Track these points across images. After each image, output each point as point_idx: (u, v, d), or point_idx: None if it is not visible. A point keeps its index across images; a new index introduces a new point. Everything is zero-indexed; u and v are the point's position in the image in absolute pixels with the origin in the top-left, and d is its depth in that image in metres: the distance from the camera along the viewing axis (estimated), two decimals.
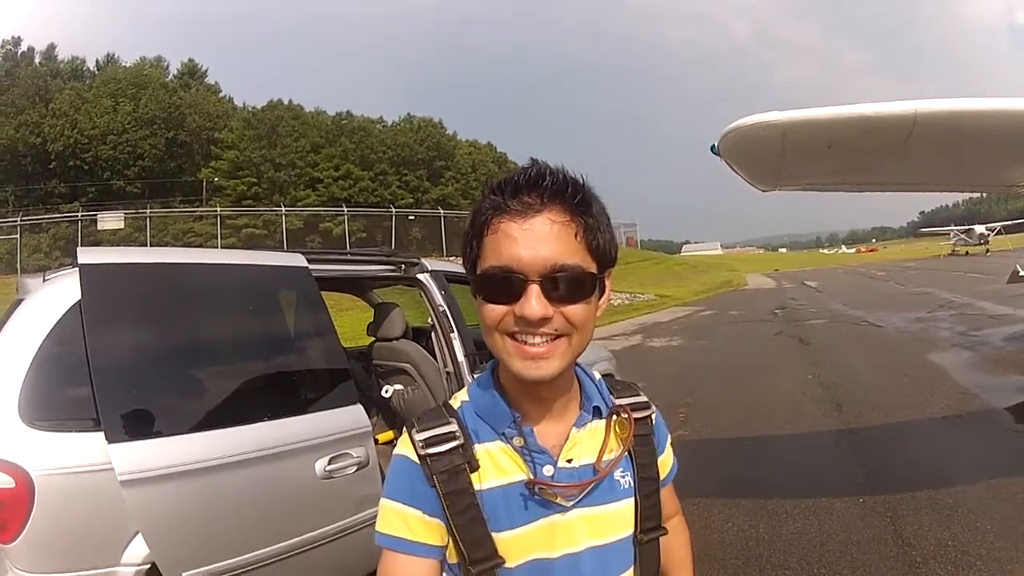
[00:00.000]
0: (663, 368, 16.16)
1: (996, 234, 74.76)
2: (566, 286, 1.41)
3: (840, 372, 13.81)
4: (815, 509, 6.70)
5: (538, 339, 1.43)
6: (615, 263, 1.57)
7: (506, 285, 1.42)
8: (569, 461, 1.57)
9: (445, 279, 5.99)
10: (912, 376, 12.87)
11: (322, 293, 5.05)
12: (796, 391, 12.40)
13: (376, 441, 4.83)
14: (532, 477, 1.52)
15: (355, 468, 4.47)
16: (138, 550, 3.64)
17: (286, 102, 66.60)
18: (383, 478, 4.61)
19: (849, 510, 6.64)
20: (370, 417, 4.76)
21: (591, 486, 1.58)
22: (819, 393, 12.09)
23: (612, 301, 37.10)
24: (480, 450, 1.54)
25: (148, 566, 3.65)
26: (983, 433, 8.98)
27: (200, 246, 41.48)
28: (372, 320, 6.96)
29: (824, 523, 6.39)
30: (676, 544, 1.93)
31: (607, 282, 1.55)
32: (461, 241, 1.58)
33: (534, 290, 1.39)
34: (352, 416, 4.62)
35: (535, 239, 1.40)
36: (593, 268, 1.47)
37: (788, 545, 6.03)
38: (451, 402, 1.65)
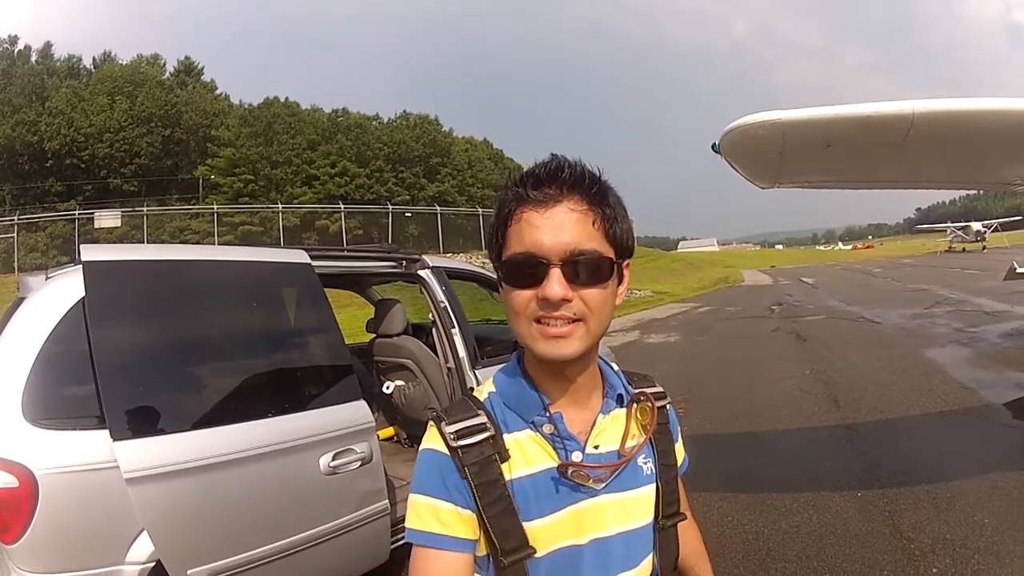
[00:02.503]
0: (661, 364, 16.14)
1: (992, 231, 74.84)
2: (585, 270, 1.49)
3: (837, 368, 13.82)
4: (814, 503, 6.74)
5: (559, 322, 1.49)
6: (632, 253, 1.64)
7: (530, 269, 1.49)
8: (596, 447, 1.63)
9: (446, 275, 6.00)
10: (909, 372, 12.89)
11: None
12: (794, 387, 12.41)
13: (378, 437, 4.84)
14: (563, 461, 1.57)
15: (359, 464, 4.49)
16: (143, 548, 3.65)
17: (282, 99, 66.56)
18: (385, 474, 4.64)
19: (847, 504, 6.67)
20: (371, 413, 4.78)
21: (620, 468, 1.63)
22: (817, 388, 12.11)
23: None
24: (509, 440, 1.59)
25: (153, 564, 3.66)
26: (980, 428, 9.00)
27: (197, 243, 41.34)
28: (373, 316, 6.98)
29: (823, 517, 6.42)
30: (692, 536, 1.98)
31: (625, 272, 1.63)
32: (488, 233, 1.65)
33: (555, 273, 1.47)
34: (356, 412, 4.64)
35: (556, 226, 1.49)
36: (611, 254, 1.54)
37: (787, 539, 6.07)
38: (476, 394, 1.69)
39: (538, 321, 1.51)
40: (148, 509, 3.57)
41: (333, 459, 4.37)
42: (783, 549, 5.88)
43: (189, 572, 3.66)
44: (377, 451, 4.65)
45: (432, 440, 1.60)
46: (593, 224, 1.51)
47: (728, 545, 6.04)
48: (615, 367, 1.80)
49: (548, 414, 1.60)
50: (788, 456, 8.51)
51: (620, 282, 1.61)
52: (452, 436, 1.55)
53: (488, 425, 1.57)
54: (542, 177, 1.52)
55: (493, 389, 1.68)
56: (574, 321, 1.50)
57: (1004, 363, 12.98)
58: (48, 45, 62.08)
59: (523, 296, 1.51)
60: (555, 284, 1.46)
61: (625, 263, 1.62)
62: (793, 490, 7.10)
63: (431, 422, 1.62)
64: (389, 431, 6.71)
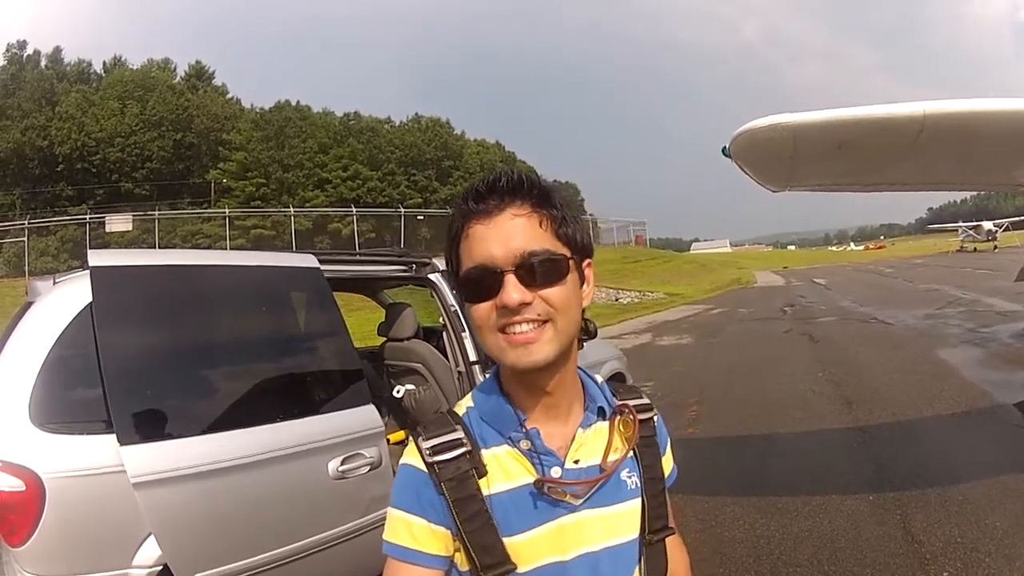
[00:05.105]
0: (673, 366, 16.17)
1: (1004, 230, 74.59)
2: (539, 270, 1.48)
3: (850, 369, 13.80)
4: (825, 506, 6.71)
5: (525, 326, 1.48)
6: (591, 253, 1.63)
7: (485, 281, 1.50)
8: (576, 462, 1.59)
9: None
10: (921, 373, 12.87)
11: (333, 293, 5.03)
12: (806, 388, 12.38)
13: (388, 441, 4.83)
14: (540, 476, 1.54)
15: (368, 468, 4.47)
16: (150, 552, 3.64)
17: (294, 103, 66.90)
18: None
19: (859, 507, 6.64)
20: (381, 417, 4.77)
21: (598, 484, 1.59)
22: (829, 390, 12.08)
23: (621, 300, 37.18)
24: (487, 455, 1.56)
25: (160, 568, 3.65)
26: (992, 430, 8.98)
27: (209, 247, 41.51)
28: (383, 320, 6.98)
29: (834, 520, 6.39)
30: (678, 558, 1.89)
31: (588, 272, 1.62)
32: (444, 256, 1.67)
33: (510, 279, 1.47)
34: (365, 416, 4.62)
35: (502, 233, 1.50)
36: (565, 252, 1.54)
37: (799, 542, 6.04)
38: (456, 409, 1.67)
39: (503, 331, 1.50)
40: (155, 513, 3.57)
41: (342, 464, 4.34)
42: (794, 553, 5.86)
43: None
44: (386, 456, 4.63)
45: (410, 455, 1.59)
46: (540, 225, 1.52)
47: (739, 549, 6.03)
48: (599, 379, 1.78)
49: (524, 430, 1.58)
50: (800, 459, 8.48)
51: (584, 282, 1.60)
52: (428, 451, 1.54)
53: (464, 440, 1.56)
54: (481, 190, 1.54)
55: (471, 404, 1.67)
56: (542, 323, 1.50)
57: (1016, 363, 12.98)
58: (58, 50, 62.61)
59: (483, 308, 1.51)
60: (511, 291, 1.46)
61: (586, 263, 1.61)
62: (805, 493, 7.08)
63: (411, 437, 1.61)
64: (399, 435, 6.68)
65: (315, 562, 4.20)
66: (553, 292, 1.49)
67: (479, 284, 1.50)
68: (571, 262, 1.54)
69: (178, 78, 66.33)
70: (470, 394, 1.72)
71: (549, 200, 1.54)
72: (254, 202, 57.11)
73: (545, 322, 1.49)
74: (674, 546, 1.85)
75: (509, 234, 1.49)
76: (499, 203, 1.51)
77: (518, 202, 1.52)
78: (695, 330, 24.24)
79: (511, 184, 1.53)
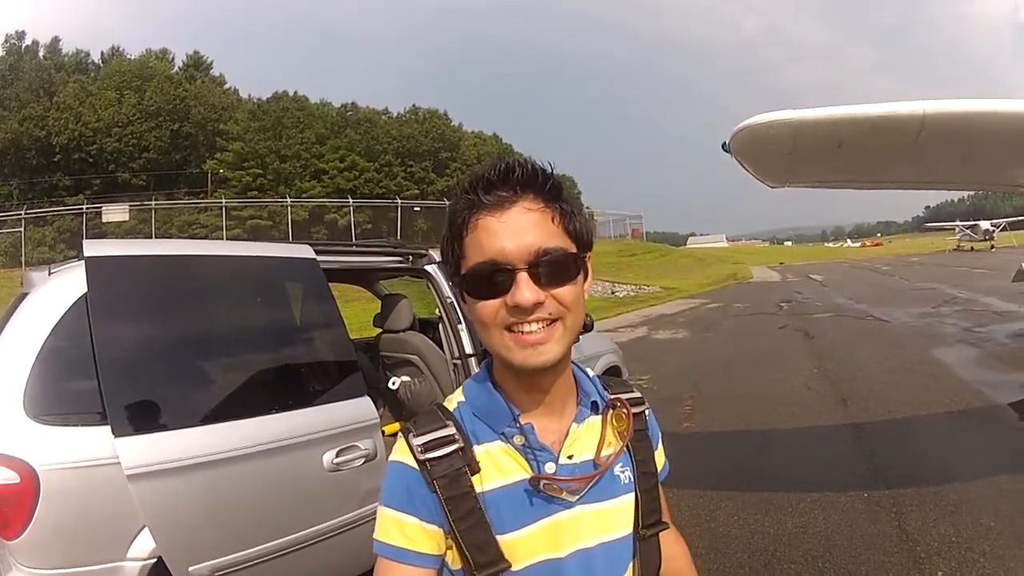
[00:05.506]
0: (668, 361, 16.22)
1: (1001, 230, 74.78)
2: (553, 269, 1.44)
3: (845, 366, 13.81)
4: (820, 503, 6.72)
5: (535, 325, 1.44)
6: (591, 247, 1.58)
7: (495, 278, 1.44)
8: (570, 457, 1.57)
9: None
10: (917, 371, 12.87)
11: (329, 284, 5.02)
12: (801, 385, 12.41)
13: (383, 433, 4.82)
14: (535, 473, 1.52)
15: (363, 460, 4.46)
16: (144, 544, 3.64)
17: (291, 94, 66.67)
18: None
19: (854, 505, 6.65)
20: (377, 409, 4.77)
21: (594, 479, 1.57)
22: (824, 387, 12.10)
23: (617, 293, 37.22)
24: (480, 451, 1.53)
25: (154, 560, 3.64)
26: (987, 429, 8.98)
27: (205, 237, 41.26)
28: (379, 311, 6.98)
29: (829, 518, 6.40)
30: (680, 554, 1.90)
31: (588, 264, 1.57)
32: (441, 245, 1.62)
33: (523, 278, 1.42)
34: (360, 408, 4.61)
35: (515, 229, 1.43)
36: (574, 249, 1.50)
37: (793, 539, 6.05)
38: (446, 404, 1.64)
39: (510, 329, 1.46)
40: (149, 506, 3.56)
41: (336, 456, 4.34)
42: (789, 550, 5.87)
43: (190, 569, 3.64)
44: (381, 448, 4.61)
45: (401, 452, 1.55)
46: (553, 221, 1.47)
47: (734, 544, 6.04)
48: (590, 373, 1.74)
49: (518, 425, 1.55)
50: (795, 455, 8.50)
51: (586, 277, 1.55)
52: (420, 449, 1.50)
53: (456, 437, 1.52)
54: (493, 180, 1.47)
55: (463, 399, 1.63)
56: (552, 322, 1.46)
57: (1012, 364, 12.97)
58: (56, 40, 62.47)
59: (491, 306, 1.45)
60: (525, 290, 1.41)
61: (587, 256, 1.56)
62: (800, 490, 7.09)
63: (400, 433, 1.57)
64: (395, 427, 6.68)
65: (310, 554, 4.20)
66: (565, 291, 1.45)
67: (488, 281, 1.45)
68: (579, 260, 1.50)
69: (176, 68, 66.14)
70: (461, 388, 1.68)
71: (560, 193, 1.50)
72: (251, 192, 56.86)
73: (554, 321, 1.46)
74: (672, 540, 1.85)
75: (523, 229, 1.43)
76: (511, 195, 1.45)
77: (531, 195, 1.46)
78: (691, 324, 24.32)
79: (525, 175, 1.47)
